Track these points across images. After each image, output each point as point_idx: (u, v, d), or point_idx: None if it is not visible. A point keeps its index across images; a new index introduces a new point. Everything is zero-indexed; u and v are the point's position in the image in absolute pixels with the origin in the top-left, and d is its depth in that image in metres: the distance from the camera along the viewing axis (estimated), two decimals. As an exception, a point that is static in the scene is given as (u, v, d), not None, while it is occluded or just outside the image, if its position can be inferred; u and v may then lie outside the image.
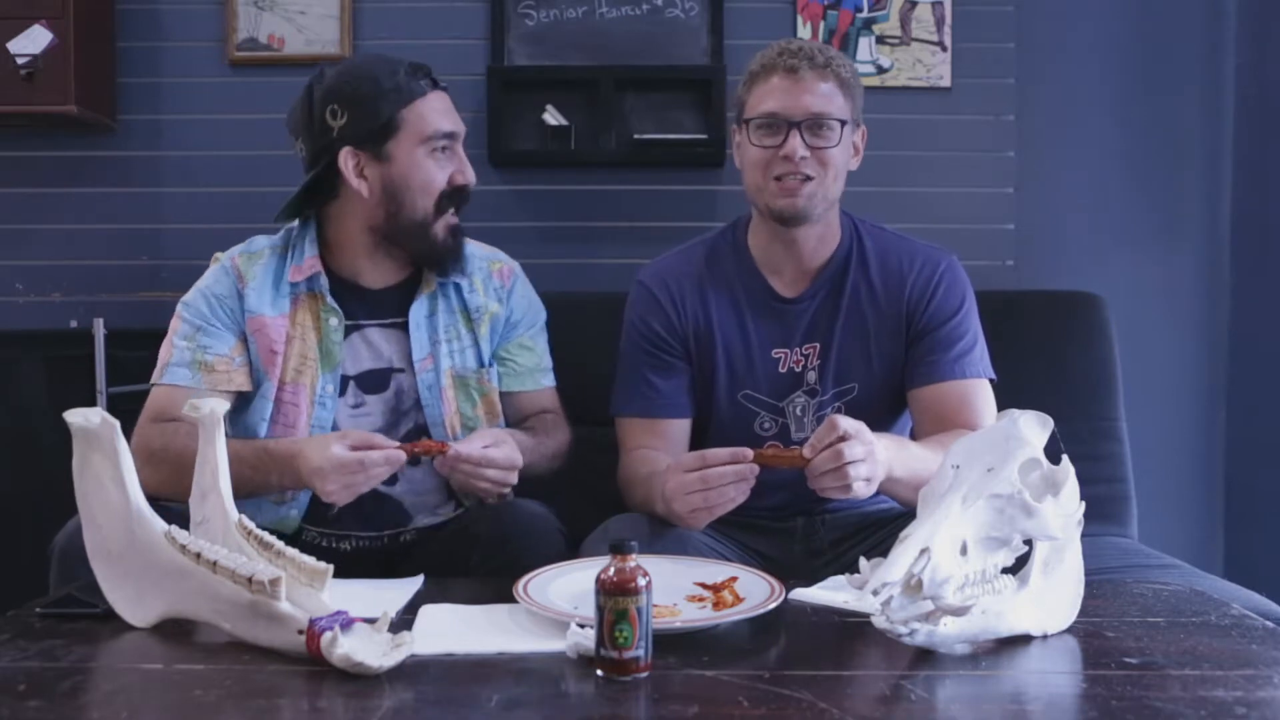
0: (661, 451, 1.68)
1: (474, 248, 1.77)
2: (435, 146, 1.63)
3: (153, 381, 1.66)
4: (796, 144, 1.59)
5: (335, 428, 1.65)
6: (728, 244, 1.75)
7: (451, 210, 1.66)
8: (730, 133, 1.73)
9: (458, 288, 1.72)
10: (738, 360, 1.69)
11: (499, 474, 1.49)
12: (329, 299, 1.65)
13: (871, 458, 1.39)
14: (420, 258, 1.68)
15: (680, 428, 1.72)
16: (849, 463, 1.36)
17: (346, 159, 1.62)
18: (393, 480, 1.64)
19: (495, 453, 1.49)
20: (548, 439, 1.69)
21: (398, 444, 1.46)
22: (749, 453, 1.40)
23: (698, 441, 1.74)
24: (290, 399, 1.64)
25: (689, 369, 1.72)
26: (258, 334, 1.64)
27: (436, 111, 1.63)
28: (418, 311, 1.69)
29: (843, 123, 1.61)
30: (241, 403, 1.65)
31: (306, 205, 1.70)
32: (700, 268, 1.74)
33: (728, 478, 1.39)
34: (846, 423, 1.39)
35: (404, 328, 1.69)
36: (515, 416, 1.76)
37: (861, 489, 1.39)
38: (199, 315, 1.65)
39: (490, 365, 1.73)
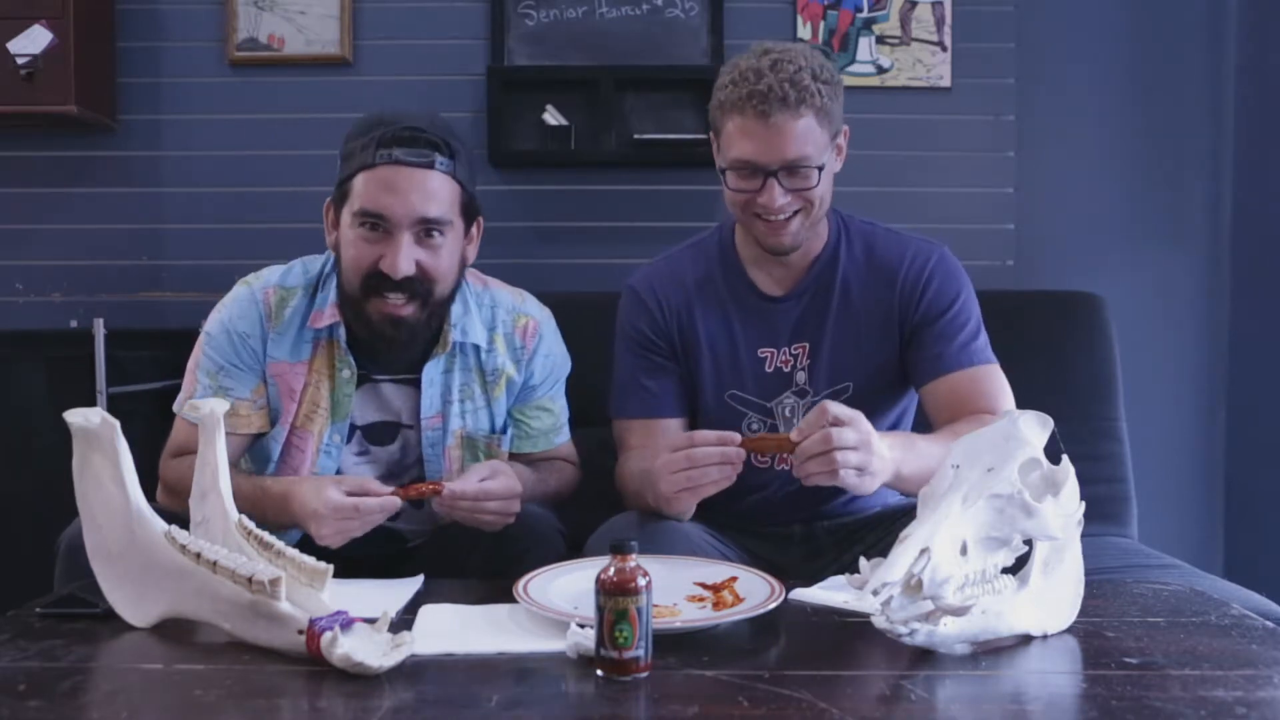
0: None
1: (502, 296, 1.70)
2: (362, 223, 1.51)
3: (175, 409, 1.66)
4: (775, 193, 1.54)
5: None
6: (715, 245, 1.74)
7: (398, 300, 1.52)
8: (710, 137, 1.66)
9: (476, 348, 1.65)
10: (723, 360, 1.69)
11: (500, 504, 1.45)
12: (344, 349, 1.60)
13: (866, 448, 1.35)
14: (364, 331, 1.57)
15: (676, 427, 1.71)
16: (838, 449, 1.33)
17: (326, 213, 1.60)
18: (395, 516, 1.59)
19: (492, 484, 1.45)
20: (550, 477, 1.66)
21: (393, 489, 1.43)
22: (736, 437, 1.40)
23: None
24: (298, 444, 1.61)
25: (678, 369, 1.71)
26: (278, 378, 1.60)
27: (374, 187, 1.49)
28: (432, 369, 1.62)
29: (820, 168, 1.55)
30: (254, 440, 1.63)
31: None
32: (686, 269, 1.73)
33: (712, 458, 1.38)
34: (838, 409, 1.36)
35: (416, 384, 1.63)
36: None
37: (851, 479, 1.34)
38: (222, 353, 1.59)
39: (504, 431, 1.68)
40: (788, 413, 1.68)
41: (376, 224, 1.50)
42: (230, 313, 1.60)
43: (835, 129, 1.59)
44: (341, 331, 1.59)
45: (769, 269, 1.69)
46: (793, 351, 1.68)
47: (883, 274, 1.67)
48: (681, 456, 1.40)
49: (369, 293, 1.53)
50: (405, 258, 1.49)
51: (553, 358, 1.72)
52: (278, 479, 1.56)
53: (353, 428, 1.63)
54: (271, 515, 1.46)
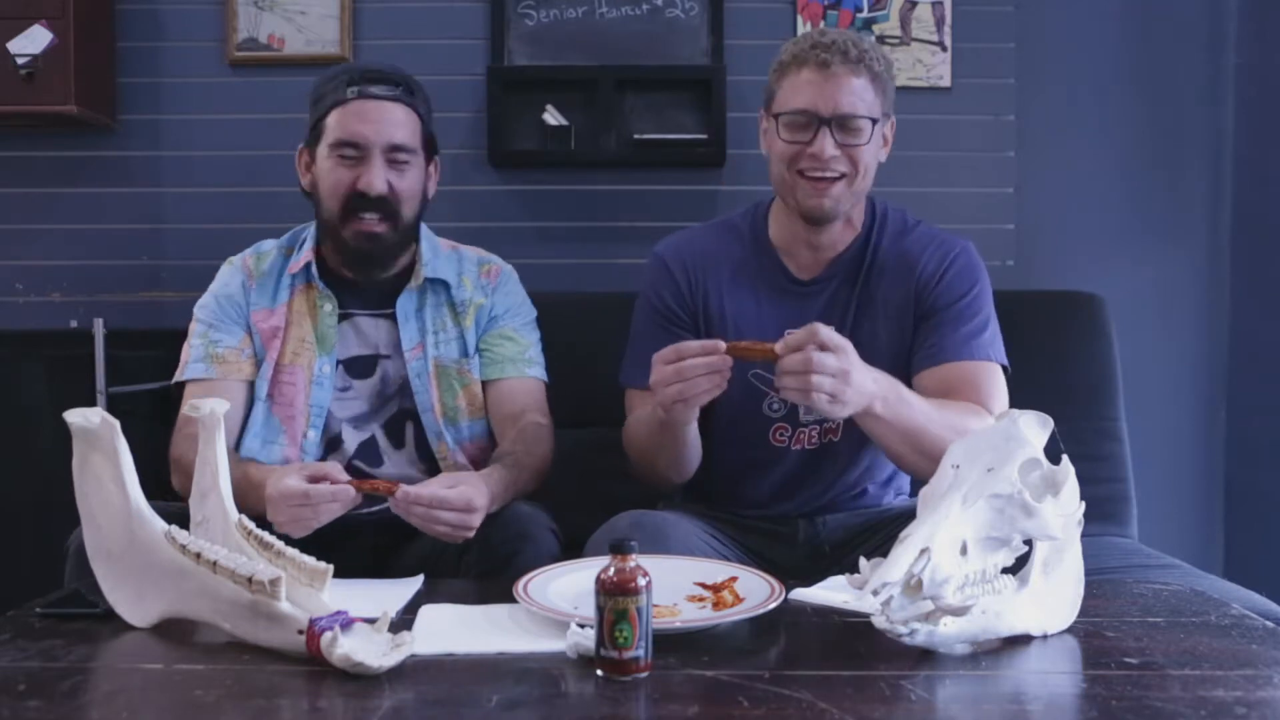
0: None
1: (469, 252, 1.84)
2: (339, 152, 1.68)
3: (174, 379, 1.74)
4: (827, 143, 1.57)
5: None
6: (747, 225, 1.75)
7: (372, 218, 1.68)
8: (759, 117, 1.70)
9: (446, 285, 1.77)
10: (748, 339, 1.69)
11: (455, 516, 1.44)
12: (322, 286, 1.73)
13: (845, 377, 1.38)
14: (343, 258, 1.74)
15: None
16: (815, 372, 1.36)
17: (298, 158, 1.76)
18: (378, 462, 1.74)
19: (450, 493, 1.44)
20: (527, 459, 1.66)
21: (349, 479, 1.46)
22: (721, 345, 1.42)
23: (706, 420, 1.74)
24: (288, 379, 1.71)
25: None
26: (259, 325, 1.73)
27: (348, 119, 1.68)
28: (405, 304, 1.75)
29: (874, 121, 1.59)
30: (250, 390, 1.74)
31: None
32: (717, 245, 1.74)
33: (700, 369, 1.41)
34: (827, 334, 1.38)
35: (392, 318, 1.75)
36: (498, 408, 1.76)
37: (823, 403, 1.38)
38: (210, 314, 1.75)
39: (472, 355, 1.77)
40: None
41: (352, 151, 1.67)
42: (217, 284, 1.78)
43: (886, 108, 1.63)
44: (315, 270, 1.74)
45: (799, 253, 1.70)
46: None
47: (905, 264, 1.68)
48: (671, 371, 1.42)
49: (347, 215, 1.68)
50: (379, 177, 1.67)
51: (515, 296, 1.83)
52: (260, 467, 1.60)
53: (336, 363, 1.73)
54: (252, 503, 1.45)
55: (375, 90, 1.69)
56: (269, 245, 1.80)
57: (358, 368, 1.75)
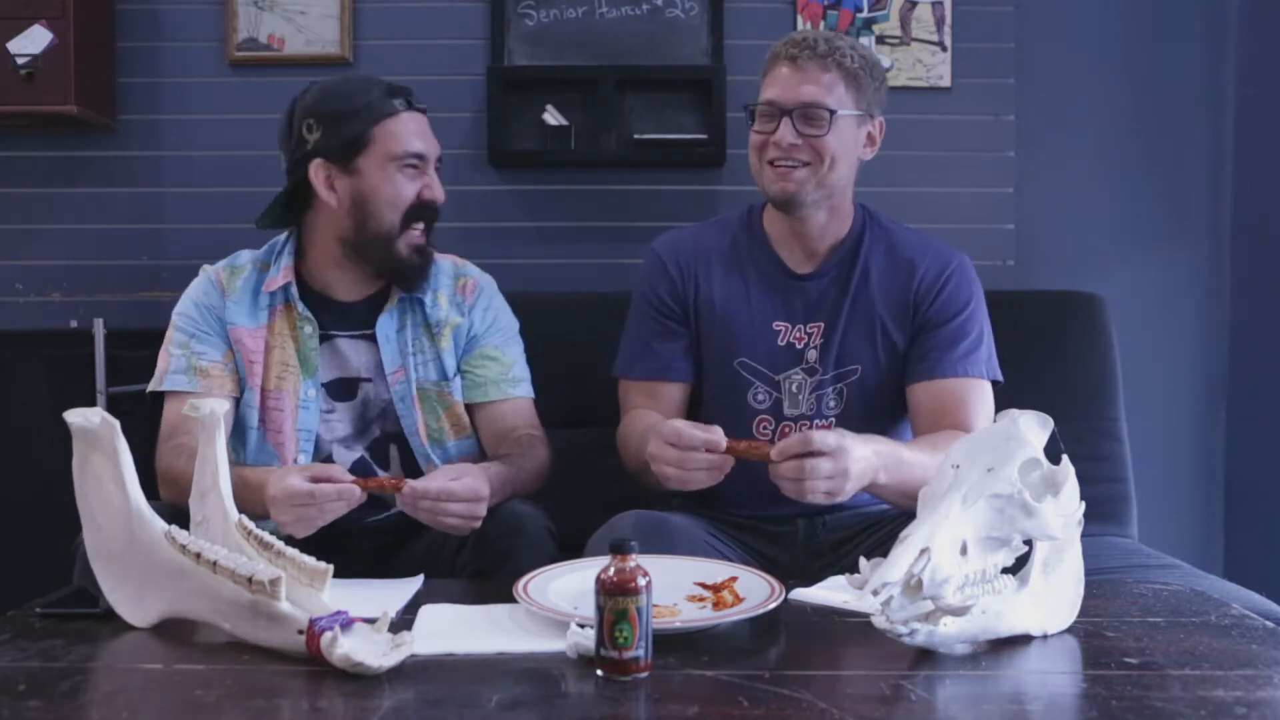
0: (659, 413, 1.69)
1: (445, 263, 1.81)
2: (404, 164, 1.67)
3: (150, 388, 1.71)
4: (786, 132, 1.62)
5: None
6: (743, 221, 1.79)
7: (420, 228, 1.70)
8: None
9: (421, 303, 1.75)
10: (737, 327, 1.72)
11: (463, 507, 1.45)
12: (301, 308, 1.70)
13: (841, 476, 1.39)
14: (385, 270, 1.72)
15: (678, 391, 1.75)
16: (809, 479, 1.38)
17: (317, 171, 1.68)
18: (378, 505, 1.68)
19: (456, 485, 1.45)
20: (524, 461, 1.66)
21: (354, 479, 1.46)
22: (722, 443, 1.42)
23: (693, 409, 1.77)
24: (275, 405, 1.69)
25: (688, 334, 1.75)
26: (238, 344, 1.70)
27: (408, 131, 1.68)
28: (386, 325, 1.73)
29: (832, 112, 1.61)
30: (235, 406, 1.71)
31: (289, 214, 1.76)
32: (712, 239, 1.78)
33: (700, 464, 1.43)
34: (821, 442, 1.38)
35: (372, 339, 1.73)
36: (488, 429, 1.75)
37: (820, 499, 1.41)
38: (191, 323, 1.71)
39: (453, 378, 1.74)
40: (794, 389, 1.70)
41: (416, 162, 1.68)
42: (193, 292, 1.74)
43: (866, 105, 1.67)
44: (294, 290, 1.71)
45: (792, 247, 1.73)
46: (808, 330, 1.70)
47: (903, 266, 1.71)
48: (673, 455, 1.44)
49: (405, 226, 1.68)
50: (439, 186, 1.71)
51: (493, 310, 1.80)
52: (256, 469, 1.59)
53: (319, 385, 1.72)
54: (250, 506, 1.44)
55: (416, 103, 1.71)
56: (245, 259, 1.76)
57: (339, 390, 1.73)
